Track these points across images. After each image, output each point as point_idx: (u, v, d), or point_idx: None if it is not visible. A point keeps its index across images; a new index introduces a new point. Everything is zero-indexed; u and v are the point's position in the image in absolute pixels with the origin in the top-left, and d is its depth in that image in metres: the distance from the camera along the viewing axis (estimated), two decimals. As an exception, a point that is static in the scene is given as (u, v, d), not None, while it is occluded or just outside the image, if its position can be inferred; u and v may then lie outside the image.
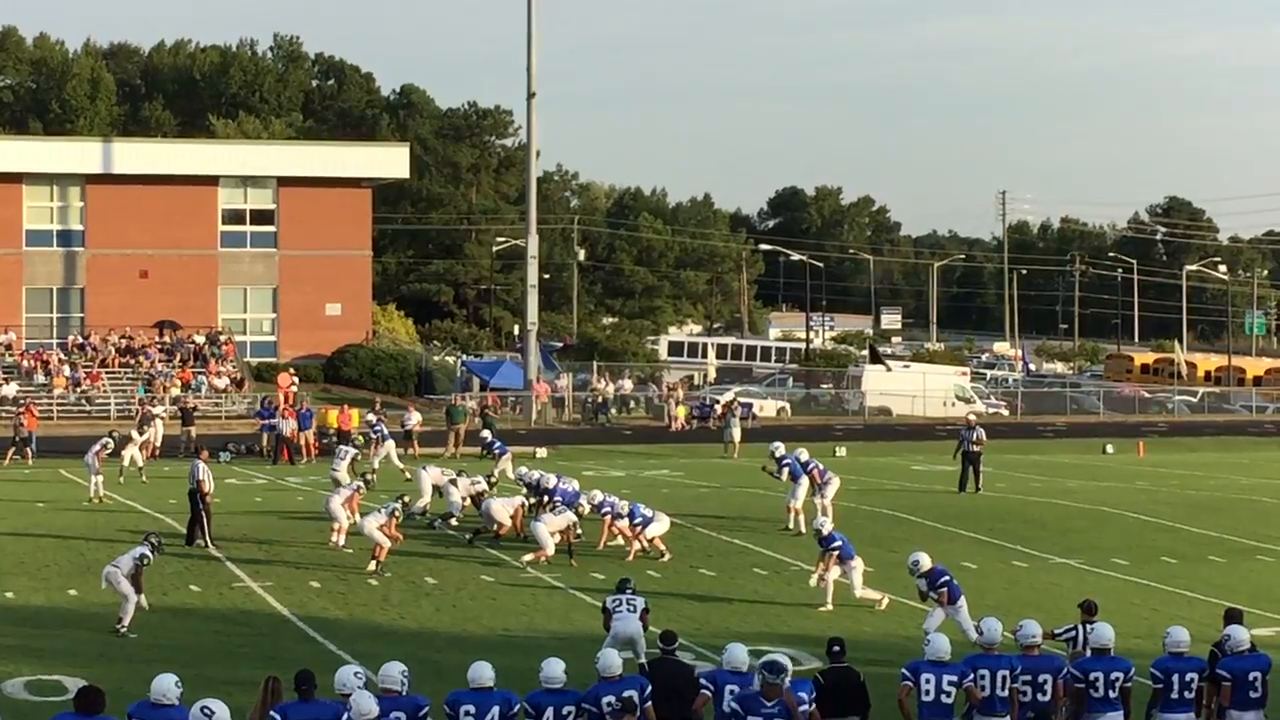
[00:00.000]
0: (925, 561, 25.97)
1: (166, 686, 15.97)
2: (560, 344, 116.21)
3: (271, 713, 16.42)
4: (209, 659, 24.63)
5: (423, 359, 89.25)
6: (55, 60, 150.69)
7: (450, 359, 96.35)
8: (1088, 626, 20.04)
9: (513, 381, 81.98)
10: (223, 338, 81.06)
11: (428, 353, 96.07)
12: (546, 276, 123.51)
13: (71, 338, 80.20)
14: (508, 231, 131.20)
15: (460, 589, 31.20)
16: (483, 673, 16.90)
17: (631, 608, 23.19)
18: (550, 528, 34.07)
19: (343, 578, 32.20)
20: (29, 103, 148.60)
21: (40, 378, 74.42)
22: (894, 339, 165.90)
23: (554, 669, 17.19)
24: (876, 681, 18.93)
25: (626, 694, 17.31)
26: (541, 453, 58.88)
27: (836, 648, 18.62)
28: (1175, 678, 18.57)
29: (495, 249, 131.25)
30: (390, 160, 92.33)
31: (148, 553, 27.48)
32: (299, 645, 26.15)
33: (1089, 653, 19.34)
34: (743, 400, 76.50)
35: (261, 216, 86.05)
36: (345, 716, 16.22)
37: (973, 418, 53.05)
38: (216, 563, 34.06)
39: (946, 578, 25.75)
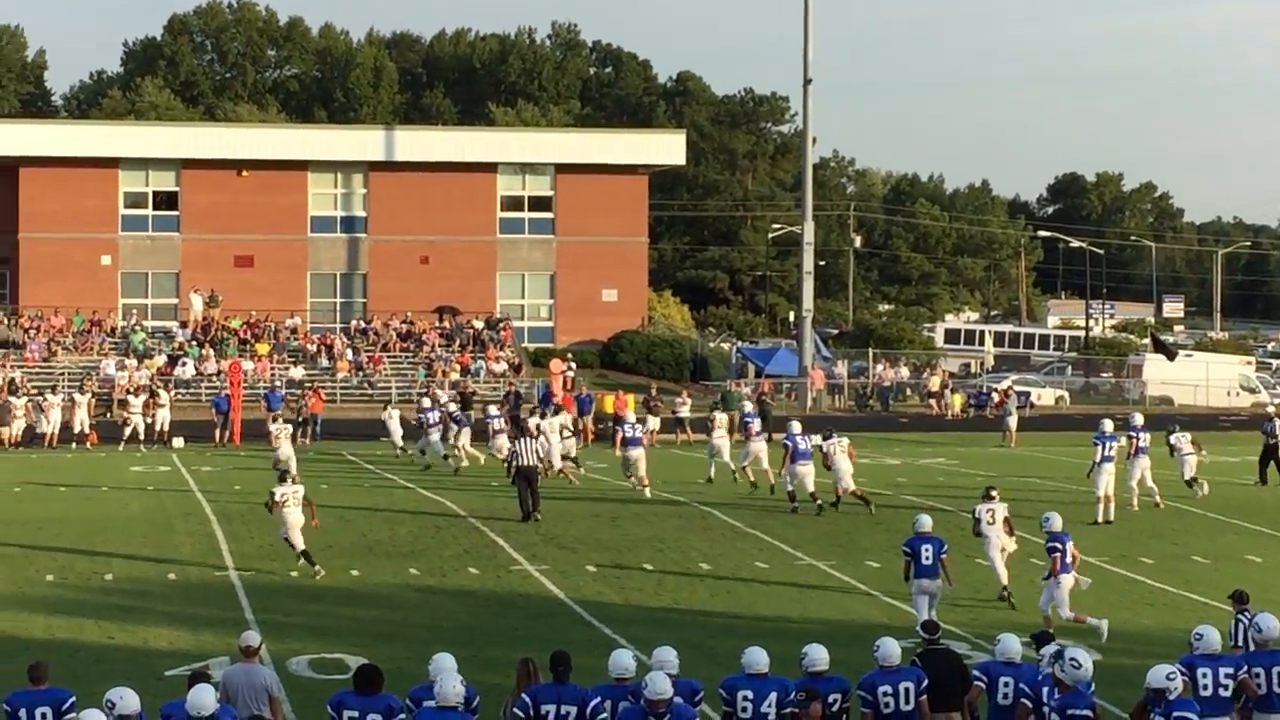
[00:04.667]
0: (1056, 522, 26.39)
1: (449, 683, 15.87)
2: (836, 331, 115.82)
3: (523, 695, 16.41)
4: (487, 640, 24.90)
5: (698, 345, 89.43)
6: (339, 50, 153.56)
7: (725, 345, 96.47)
8: (1246, 618, 19.52)
9: (787, 368, 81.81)
10: (501, 323, 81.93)
11: (703, 339, 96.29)
12: (822, 263, 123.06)
13: (354, 322, 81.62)
14: (783, 218, 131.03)
15: (735, 575, 31.21)
16: (758, 658, 16.77)
17: None
18: None
19: (618, 563, 32.38)
20: (314, 92, 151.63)
21: (324, 361, 75.84)
22: (1176, 327, 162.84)
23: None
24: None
25: (904, 685, 17.13)
26: (815, 440, 58.61)
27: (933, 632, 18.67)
28: None
29: (771, 235, 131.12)
30: (667, 147, 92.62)
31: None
32: (574, 628, 26.32)
33: (1252, 645, 18.80)
34: (1020, 389, 75.57)
35: (539, 203, 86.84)
36: (594, 702, 16.17)
37: (1271, 409, 52.00)
38: (495, 545, 34.45)
39: (1060, 545, 25.85)
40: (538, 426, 44.46)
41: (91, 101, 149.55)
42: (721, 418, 47.90)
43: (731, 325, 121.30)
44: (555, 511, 38.96)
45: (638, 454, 43.98)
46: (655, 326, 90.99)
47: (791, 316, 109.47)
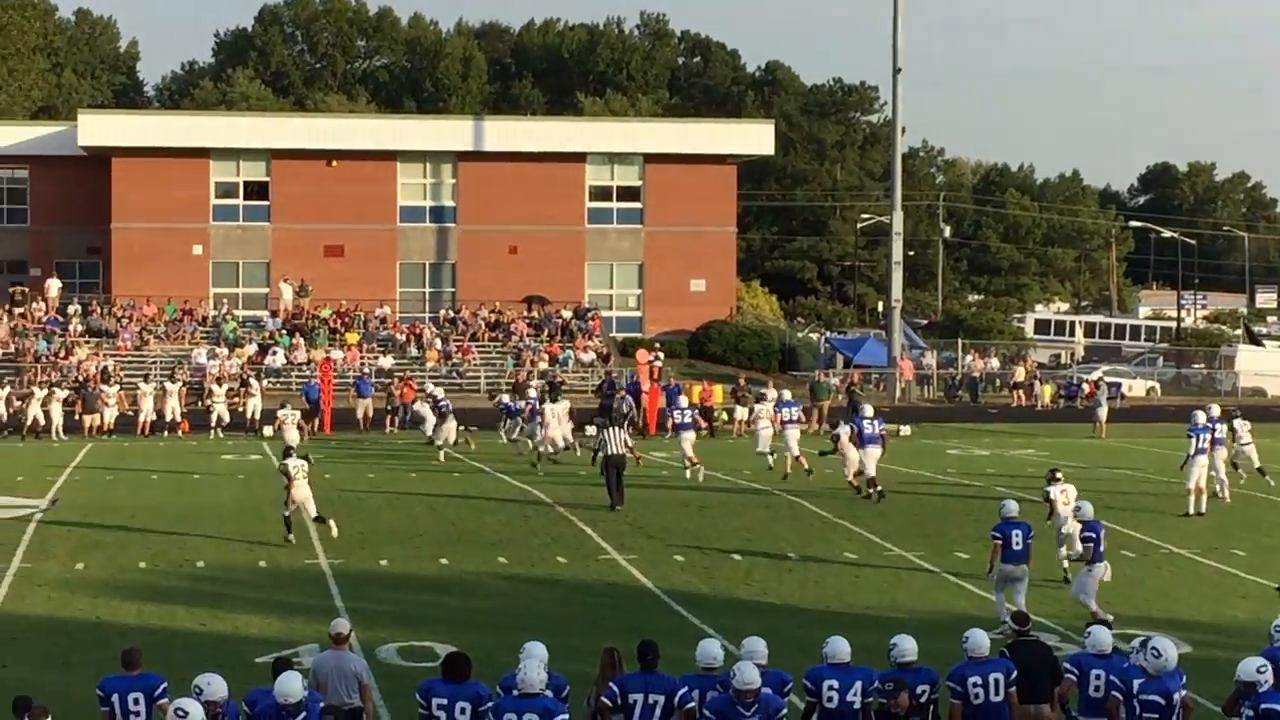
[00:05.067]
0: (1088, 509, 26.77)
1: (535, 668, 15.76)
2: (925, 321, 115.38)
3: (610, 684, 16.42)
4: (575, 629, 24.94)
5: (786, 335, 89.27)
6: (429, 40, 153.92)
7: (814, 335, 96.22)
8: None
9: (876, 359, 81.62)
10: (590, 313, 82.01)
11: (791, 329, 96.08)
12: (911, 253, 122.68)
13: (443, 312, 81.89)
14: (872, 208, 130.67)
15: (823, 565, 31.15)
16: (841, 648, 16.73)
17: None
18: None
19: (706, 552, 32.35)
20: (404, 82, 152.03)
21: (413, 351, 76.12)
22: (1269, 318, 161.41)
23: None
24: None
25: (993, 676, 17.05)
26: (905, 430, 58.50)
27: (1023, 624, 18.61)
28: None
29: (860, 225, 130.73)
30: (755, 137, 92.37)
31: None
32: (663, 618, 26.31)
33: None
34: (1111, 379, 75.10)
35: (628, 193, 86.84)
36: (682, 692, 16.13)
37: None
38: (583, 535, 34.51)
39: (1094, 534, 26.14)
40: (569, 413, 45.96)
41: (183, 92, 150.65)
42: (764, 408, 47.96)
43: (820, 315, 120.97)
44: (643, 501, 39.01)
45: (687, 436, 45.02)
46: (743, 317, 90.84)
47: (880, 307, 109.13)
